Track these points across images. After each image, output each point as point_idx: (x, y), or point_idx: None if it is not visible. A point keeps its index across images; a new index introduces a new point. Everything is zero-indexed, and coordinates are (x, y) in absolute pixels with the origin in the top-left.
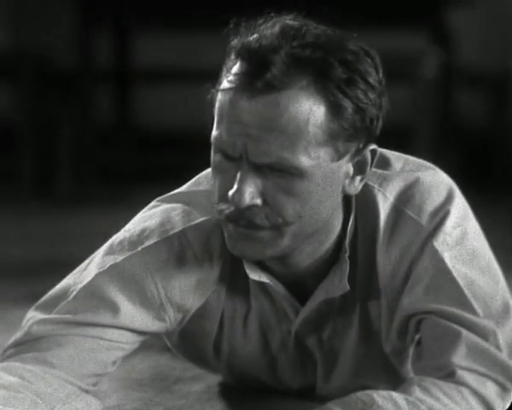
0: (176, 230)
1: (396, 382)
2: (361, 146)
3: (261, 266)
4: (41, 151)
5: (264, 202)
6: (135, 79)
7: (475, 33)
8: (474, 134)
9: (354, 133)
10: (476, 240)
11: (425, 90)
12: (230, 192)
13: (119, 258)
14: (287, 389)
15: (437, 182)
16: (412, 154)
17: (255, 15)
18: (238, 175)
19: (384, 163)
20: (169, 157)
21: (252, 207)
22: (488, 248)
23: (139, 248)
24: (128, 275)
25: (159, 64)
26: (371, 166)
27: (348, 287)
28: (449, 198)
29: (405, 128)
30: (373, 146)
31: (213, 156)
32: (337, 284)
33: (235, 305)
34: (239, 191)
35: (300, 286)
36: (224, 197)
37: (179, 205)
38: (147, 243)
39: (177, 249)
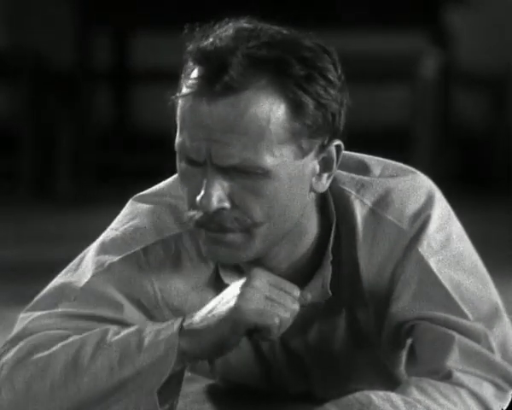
0: (172, 233)
1: (391, 384)
2: (325, 142)
3: (241, 270)
4: (40, 151)
5: (233, 204)
6: (134, 80)
7: (474, 34)
8: (474, 135)
9: (317, 130)
10: (461, 242)
11: (424, 90)
12: (198, 197)
13: (116, 258)
14: (283, 393)
15: (416, 186)
16: (411, 154)
17: (254, 16)
18: (204, 180)
19: (363, 169)
20: (168, 158)
21: (220, 210)
22: (473, 250)
23: (137, 249)
24: (126, 275)
25: (158, 65)
26: (337, 163)
27: (330, 293)
28: (429, 202)
29: (404, 129)
30: (337, 142)
31: (179, 164)
32: (319, 290)
33: None
34: (206, 196)
35: None
36: (192, 204)
37: (167, 205)
38: (143, 244)
39: (174, 252)
